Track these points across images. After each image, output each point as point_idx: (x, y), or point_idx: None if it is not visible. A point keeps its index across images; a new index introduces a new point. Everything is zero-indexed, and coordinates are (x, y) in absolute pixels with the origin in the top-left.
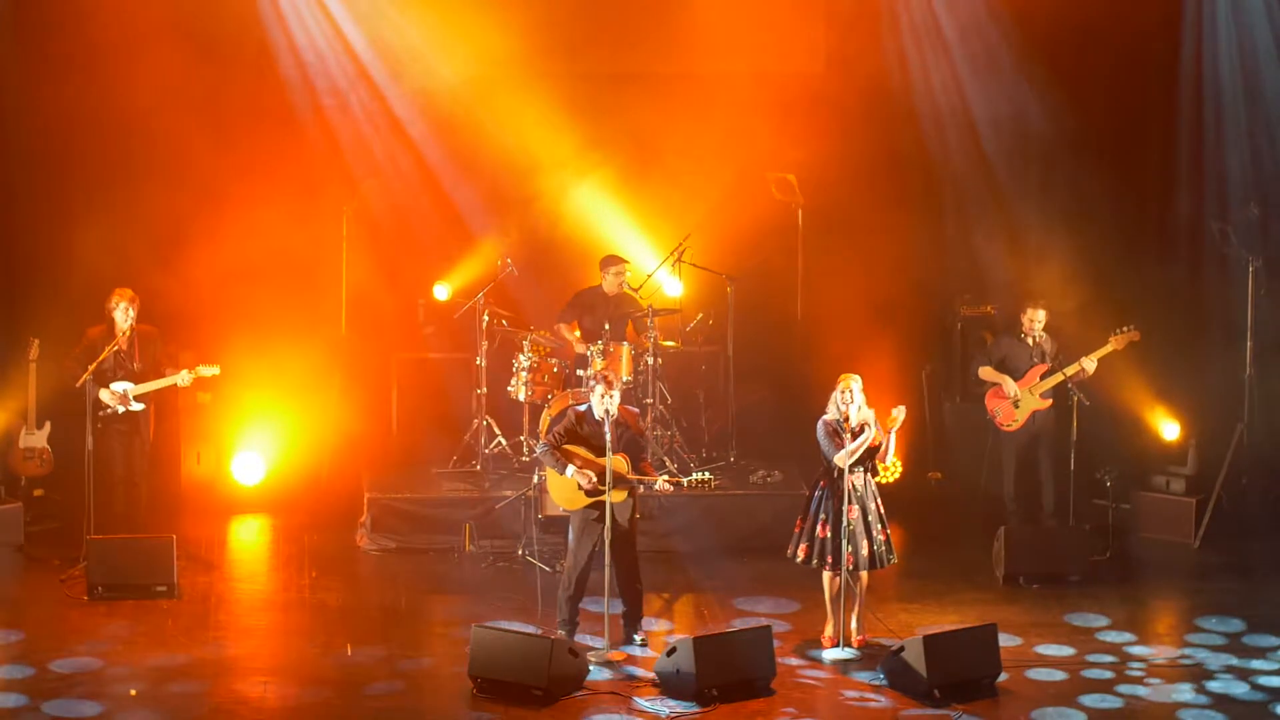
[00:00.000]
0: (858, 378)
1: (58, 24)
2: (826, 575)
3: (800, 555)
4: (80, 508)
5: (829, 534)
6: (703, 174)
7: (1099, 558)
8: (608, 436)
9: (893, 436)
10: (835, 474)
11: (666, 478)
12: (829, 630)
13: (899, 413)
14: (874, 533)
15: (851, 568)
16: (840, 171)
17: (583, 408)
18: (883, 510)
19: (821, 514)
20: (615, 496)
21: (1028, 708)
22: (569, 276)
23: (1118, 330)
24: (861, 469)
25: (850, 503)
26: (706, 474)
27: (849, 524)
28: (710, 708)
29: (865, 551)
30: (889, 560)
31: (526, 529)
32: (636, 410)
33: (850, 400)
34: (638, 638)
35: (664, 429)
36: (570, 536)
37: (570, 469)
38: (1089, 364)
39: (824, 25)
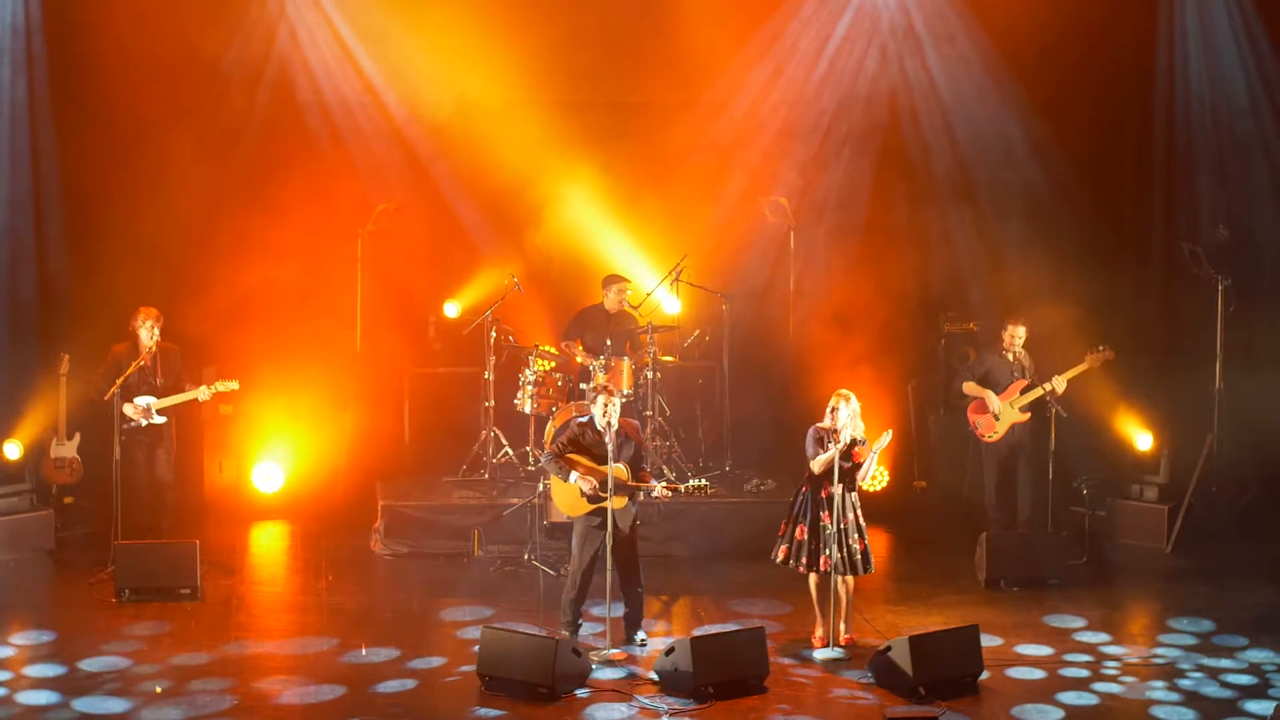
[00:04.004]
0: (850, 396)
1: (86, 56)
2: (813, 579)
3: (780, 556)
4: (108, 515)
5: (806, 537)
6: (699, 197)
7: (1076, 562)
8: (610, 446)
9: (874, 457)
10: (819, 480)
11: (665, 485)
12: (819, 631)
13: (886, 437)
14: (850, 541)
15: (826, 571)
16: (830, 195)
17: (585, 419)
18: (861, 522)
19: (801, 518)
20: (616, 503)
21: (1008, 705)
22: (572, 294)
23: (1092, 350)
24: (841, 484)
25: (826, 510)
26: (703, 481)
27: (825, 529)
28: (707, 705)
29: (838, 556)
30: (864, 569)
31: (532, 534)
32: (636, 422)
33: (838, 418)
34: (638, 638)
35: (663, 440)
36: (574, 542)
37: (574, 475)
38: (1059, 383)
39: (815, 57)
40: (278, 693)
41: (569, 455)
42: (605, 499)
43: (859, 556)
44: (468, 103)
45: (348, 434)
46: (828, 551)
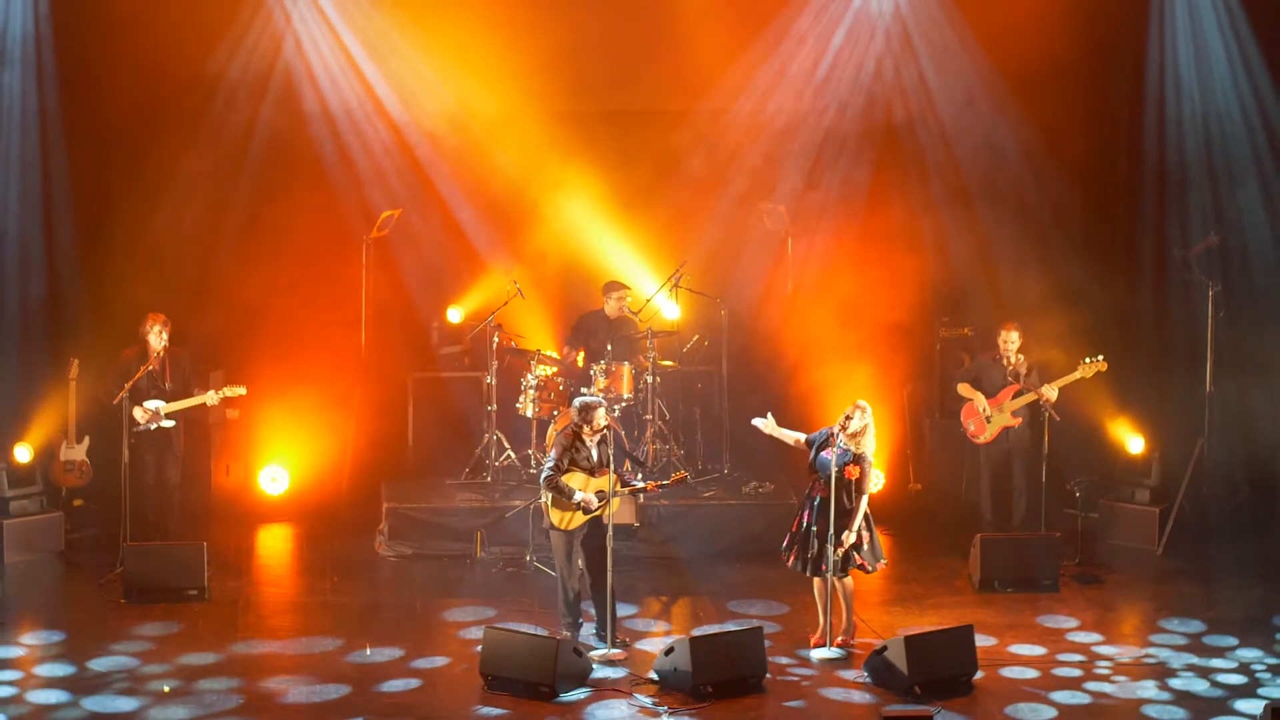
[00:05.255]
0: (865, 409)
1: (96, 67)
2: (816, 579)
3: (785, 542)
4: (117, 517)
5: (799, 529)
6: (699, 204)
7: (1069, 563)
8: (610, 460)
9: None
10: (815, 481)
11: (652, 483)
12: (817, 631)
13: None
14: (834, 544)
15: (800, 569)
16: (828, 202)
17: (569, 430)
18: (855, 526)
19: (799, 511)
20: (613, 506)
21: (1002, 704)
22: (573, 300)
23: (1086, 360)
24: (837, 489)
25: (808, 510)
26: (681, 470)
27: (804, 527)
28: (706, 703)
29: (812, 555)
30: (817, 569)
31: (534, 536)
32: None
33: (844, 428)
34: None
35: (662, 443)
36: (559, 551)
37: (578, 495)
38: (1050, 391)
39: (812, 65)
40: (283, 692)
41: (566, 473)
42: (602, 508)
43: (827, 560)
44: (470, 111)
45: (352, 437)
46: (795, 548)
